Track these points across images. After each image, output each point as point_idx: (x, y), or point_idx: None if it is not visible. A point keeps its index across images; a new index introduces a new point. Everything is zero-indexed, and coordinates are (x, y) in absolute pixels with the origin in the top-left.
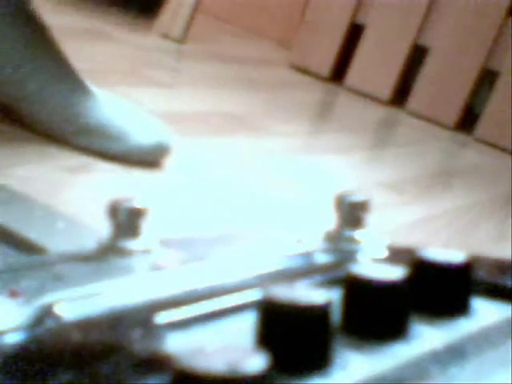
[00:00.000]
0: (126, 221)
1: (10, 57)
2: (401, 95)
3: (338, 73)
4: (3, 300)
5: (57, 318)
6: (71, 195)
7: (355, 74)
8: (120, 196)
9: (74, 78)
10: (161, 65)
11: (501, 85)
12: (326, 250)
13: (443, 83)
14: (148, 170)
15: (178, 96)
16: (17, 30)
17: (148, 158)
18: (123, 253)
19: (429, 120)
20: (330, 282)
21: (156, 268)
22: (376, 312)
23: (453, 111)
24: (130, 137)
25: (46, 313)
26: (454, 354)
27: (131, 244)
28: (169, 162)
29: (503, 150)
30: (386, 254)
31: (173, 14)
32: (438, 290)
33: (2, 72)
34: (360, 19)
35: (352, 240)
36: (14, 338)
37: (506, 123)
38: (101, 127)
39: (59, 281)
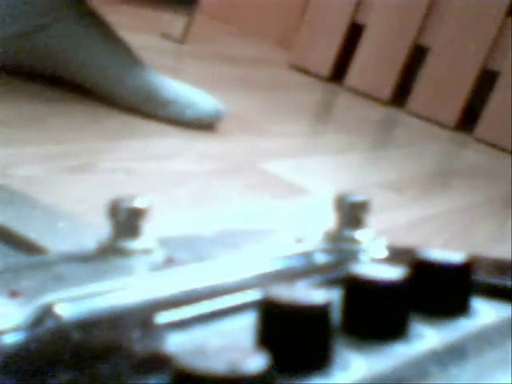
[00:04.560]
0: (126, 221)
1: (89, 47)
2: (401, 95)
3: (338, 73)
4: (3, 300)
5: (57, 317)
6: (71, 195)
7: (355, 74)
8: (120, 196)
9: (140, 60)
10: (161, 65)
11: (501, 85)
12: (326, 250)
13: (443, 83)
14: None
15: None
16: (86, 26)
17: (213, 122)
18: (123, 253)
19: (429, 120)
20: (330, 282)
21: (156, 268)
22: (376, 312)
23: (453, 111)
24: (198, 104)
25: (46, 313)
26: (454, 354)
27: (131, 244)
28: (167, 162)
29: (503, 149)
30: (385, 254)
31: (173, 14)
32: (437, 290)
33: (81, 59)
34: (360, 19)
35: (352, 240)
36: (13, 338)
37: (506, 123)
38: (174, 99)
39: (59, 281)
